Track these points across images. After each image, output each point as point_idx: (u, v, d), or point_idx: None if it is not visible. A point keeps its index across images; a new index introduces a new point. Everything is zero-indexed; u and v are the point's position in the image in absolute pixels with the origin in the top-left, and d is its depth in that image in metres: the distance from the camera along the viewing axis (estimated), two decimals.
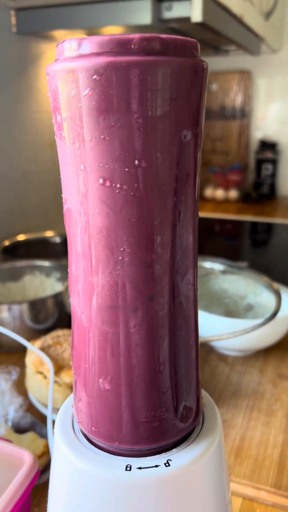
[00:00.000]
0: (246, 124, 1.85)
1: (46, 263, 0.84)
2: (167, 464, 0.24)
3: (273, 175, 1.82)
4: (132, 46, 0.19)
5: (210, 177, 1.88)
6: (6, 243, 0.97)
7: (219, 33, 0.94)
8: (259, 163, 1.83)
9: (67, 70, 0.20)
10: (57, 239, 1.05)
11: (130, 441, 0.24)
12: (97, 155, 0.20)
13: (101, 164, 0.20)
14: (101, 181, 0.20)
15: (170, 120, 0.20)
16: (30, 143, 1.06)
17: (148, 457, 0.24)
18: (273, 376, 0.63)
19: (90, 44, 0.19)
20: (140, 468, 0.24)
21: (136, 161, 0.20)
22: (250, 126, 1.86)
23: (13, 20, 0.94)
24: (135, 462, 0.24)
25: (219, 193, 1.82)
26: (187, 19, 0.82)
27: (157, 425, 0.24)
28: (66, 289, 0.71)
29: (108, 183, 0.20)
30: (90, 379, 0.24)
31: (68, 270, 0.25)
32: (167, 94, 0.19)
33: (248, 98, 1.82)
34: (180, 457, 0.24)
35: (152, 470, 0.23)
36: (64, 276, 0.81)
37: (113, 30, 0.95)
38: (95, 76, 0.19)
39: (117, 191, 0.21)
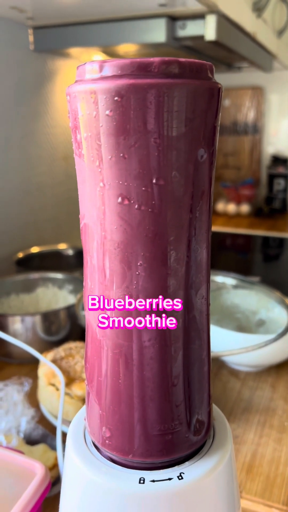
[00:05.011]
0: (258, 140, 1.86)
1: (59, 275, 0.84)
2: (180, 477, 0.24)
3: (285, 190, 1.82)
4: (152, 69, 0.20)
5: (222, 191, 1.89)
6: (20, 255, 0.98)
7: (232, 50, 0.96)
8: (271, 178, 1.83)
9: (89, 91, 0.20)
10: (70, 252, 1.06)
11: (143, 454, 0.24)
12: (116, 173, 0.21)
13: (119, 182, 0.21)
14: (119, 198, 0.21)
15: (187, 140, 0.21)
16: (45, 158, 1.08)
17: (161, 470, 0.25)
18: (285, 392, 0.62)
19: (111, 67, 0.20)
20: (153, 481, 0.24)
21: (154, 179, 0.21)
22: (262, 141, 1.87)
23: (31, 38, 0.97)
24: (148, 475, 0.24)
25: (231, 208, 1.83)
26: (201, 38, 0.83)
27: (170, 438, 0.24)
28: (79, 301, 0.71)
29: (126, 200, 0.21)
30: (104, 392, 0.25)
31: (84, 284, 0.26)
32: (185, 115, 0.20)
33: (260, 114, 1.84)
34: (193, 470, 0.24)
35: (166, 483, 0.24)
36: (76, 288, 0.82)
37: (128, 48, 0.97)
38: (116, 98, 0.20)
39: (135, 207, 0.21)
